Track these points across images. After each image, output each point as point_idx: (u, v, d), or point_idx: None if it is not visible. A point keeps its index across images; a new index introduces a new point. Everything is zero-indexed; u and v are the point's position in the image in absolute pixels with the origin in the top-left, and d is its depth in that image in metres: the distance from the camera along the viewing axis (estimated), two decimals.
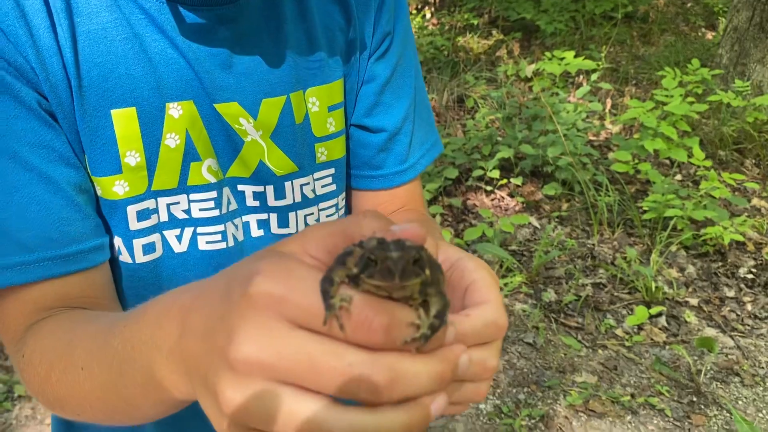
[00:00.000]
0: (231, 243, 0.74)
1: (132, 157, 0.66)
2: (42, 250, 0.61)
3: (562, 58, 4.21)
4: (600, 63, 4.73)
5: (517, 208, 3.48)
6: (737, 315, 2.80)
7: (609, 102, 4.46)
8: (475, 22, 5.83)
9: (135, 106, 0.65)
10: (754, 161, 3.99)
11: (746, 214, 3.42)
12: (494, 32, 5.72)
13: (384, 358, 0.35)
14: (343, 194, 0.83)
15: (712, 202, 3.22)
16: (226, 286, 0.40)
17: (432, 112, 0.90)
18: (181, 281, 0.62)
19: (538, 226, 3.37)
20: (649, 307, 2.77)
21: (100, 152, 0.65)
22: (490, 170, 3.53)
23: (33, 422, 2.30)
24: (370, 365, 0.35)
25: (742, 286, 2.96)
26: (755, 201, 3.60)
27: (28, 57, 0.61)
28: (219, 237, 0.73)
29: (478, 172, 3.56)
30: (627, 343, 2.64)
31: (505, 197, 3.57)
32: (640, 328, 2.72)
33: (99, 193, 0.67)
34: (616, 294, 2.91)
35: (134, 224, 0.69)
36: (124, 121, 0.65)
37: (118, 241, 0.69)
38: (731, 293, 2.92)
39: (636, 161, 3.54)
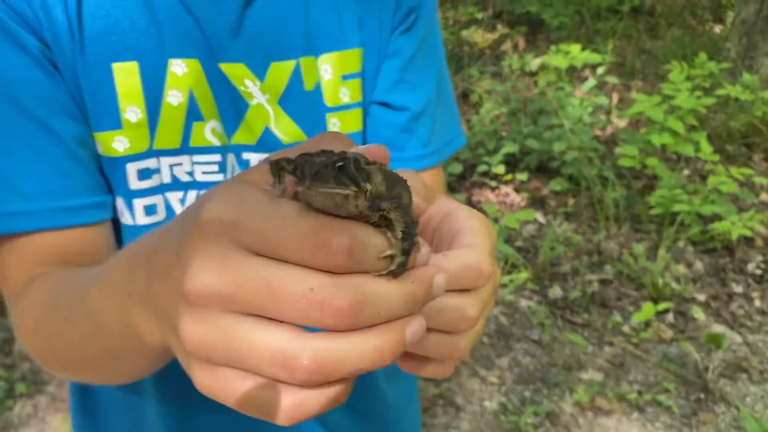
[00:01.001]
0: None
1: (132, 112, 0.65)
2: (42, 200, 0.61)
3: (567, 52, 4.17)
4: (606, 57, 4.69)
5: (522, 204, 3.45)
6: (745, 311, 2.77)
7: (616, 96, 4.42)
8: (480, 16, 5.79)
9: (137, 61, 0.65)
10: (762, 155, 3.95)
11: (754, 209, 3.38)
12: (499, 26, 5.68)
13: (348, 281, 0.33)
14: None
15: (720, 197, 3.18)
16: (182, 219, 0.37)
17: (455, 103, 0.87)
18: None
19: (544, 222, 3.34)
20: (656, 303, 2.74)
21: (101, 106, 0.64)
22: (495, 165, 3.51)
23: (34, 420, 2.30)
24: (333, 288, 0.32)
25: (750, 281, 2.93)
26: (764, 196, 3.56)
27: (33, 5, 0.61)
28: None
29: (482, 168, 3.53)
30: (634, 340, 2.62)
31: (511, 193, 3.54)
32: (647, 324, 2.69)
33: (99, 150, 0.66)
34: (622, 290, 2.88)
35: (135, 183, 0.67)
36: (125, 75, 0.65)
37: (119, 202, 0.68)
38: (739, 289, 2.88)
39: (643, 156, 3.51)
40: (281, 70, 0.70)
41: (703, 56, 4.30)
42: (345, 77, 0.74)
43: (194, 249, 0.34)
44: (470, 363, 2.53)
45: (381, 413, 0.86)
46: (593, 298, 2.82)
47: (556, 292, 2.85)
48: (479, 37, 5.43)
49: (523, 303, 2.80)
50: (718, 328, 2.68)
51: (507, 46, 5.09)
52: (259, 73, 0.70)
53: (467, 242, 0.42)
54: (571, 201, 3.49)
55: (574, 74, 4.72)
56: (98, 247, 0.65)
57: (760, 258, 3.05)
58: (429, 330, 0.39)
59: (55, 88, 0.63)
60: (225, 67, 0.67)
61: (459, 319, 0.41)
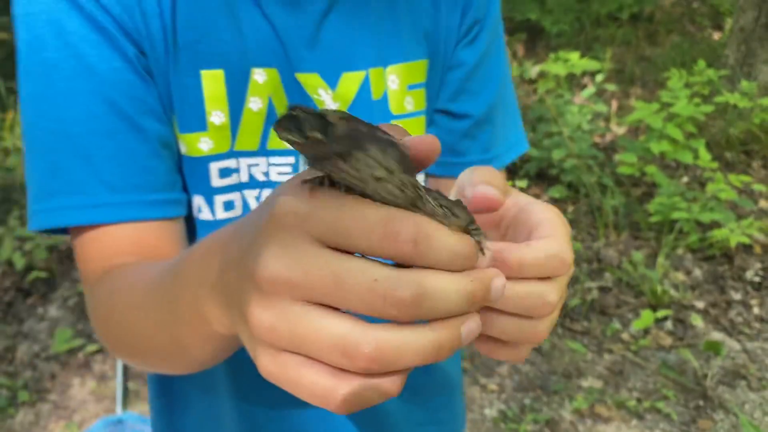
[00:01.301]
0: None
1: (217, 116, 0.70)
2: (126, 193, 0.65)
3: (566, 60, 4.19)
4: (605, 64, 4.71)
5: None
6: (744, 318, 2.78)
7: (615, 103, 4.44)
8: None
9: (223, 69, 0.69)
10: (761, 162, 3.96)
11: (753, 216, 3.39)
12: None
13: (411, 274, 0.34)
14: (422, 177, 0.84)
15: (719, 205, 3.19)
16: (257, 212, 0.40)
17: (518, 110, 0.89)
18: None
19: None
20: (655, 310, 2.75)
21: (189, 110, 0.69)
22: None
23: (36, 428, 2.31)
24: (396, 280, 0.33)
25: (749, 289, 2.94)
26: (762, 203, 3.57)
27: (133, 16, 0.65)
28: None
29: None
30: (633, 347, 2.63)
31: None
32: (646, 331, 2.70)
33: (184, 150, 0.70)
34: (622, 297, 2.89)
35: (216, 181, 0.72)
36: (212, 81, 0.69)
37: (199, 200, 0.73)
38: (738, 296, 2.89)
39: (642, 163, 3.53)
40: (352, 80, 0.74)
41: (701, 63, 4.32)
42: (410, 87, 0.78)
43: (268, 239, 0.36)
44: (470, 370, 2.54)
45: (431, 392, 0.89)
46: (593, 306, 2.83)
47: None
48: None
49: None
50: (717, 336, 2.69)
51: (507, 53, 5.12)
52: (332, 82, 0.74)
53: (547, 233, 0.43)
54: (570, 208, 3.50)
55: (573, 81, 4.74)
56: (172, 242, 0.69)
57: (758, 265, 3.06)
58: (511, 315, 0.42)
59: (146, 91, 0.67)
60: (300, 77, 0.72)
61: (541, 304, 0.42)
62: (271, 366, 0.37)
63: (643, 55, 5.48)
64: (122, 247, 0.65)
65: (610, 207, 3.30)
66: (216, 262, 0.43)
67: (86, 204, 0.64)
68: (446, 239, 0.35)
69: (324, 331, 0.34)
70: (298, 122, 0.32)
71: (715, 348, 2.58)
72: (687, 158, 3.43)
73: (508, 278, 0.39)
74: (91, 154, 0.65)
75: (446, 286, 0.35)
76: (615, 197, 3.36)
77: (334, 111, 0.33)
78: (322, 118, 0.32)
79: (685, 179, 3.76)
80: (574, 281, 2.96)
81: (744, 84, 4.07)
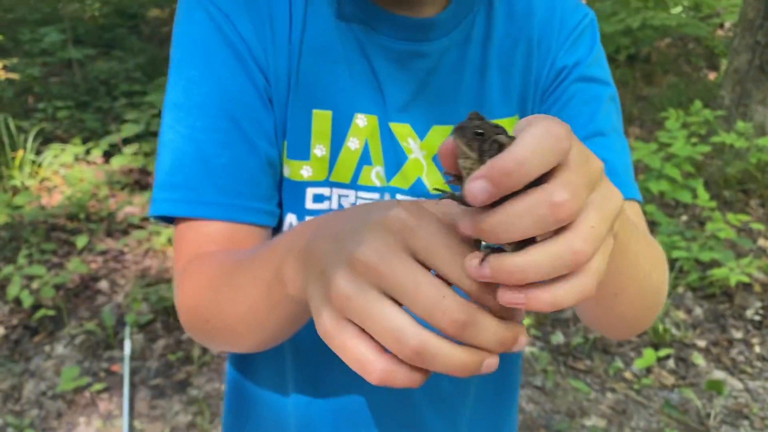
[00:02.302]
0: None
1: (319, 149, 0.80)
2: (232, 197, 0.75)
3: None
4: None
5: None
6: (745, 357, 2.80)
7: None
8: None
9: (331, 110, 0.80)
10: (758, 201, 4.02)
11: (752, 254, 3.43)
12: None
13: (469, 305, 0.43)
14: None
15: (718, 243, 3.24)
16: (366, 209, 0.49)
17: (631, 163, 0.86)
18: None
19: None
20: (657, 349, 2.77)
21: (297, 140, 0.79)
22: None
23: None
24: (457, 304, 0.43)
25: (750, 327, 2.96)
26: (761, 242, 3.62)
27: (267, 52, 0.77)
28: None
29: None
30: (636, 386, 2.64)
31: None
32: (648, 370, 2.72)
33: (287, 173, 0.81)
34: None
35: (310, 204, 0.81)
36: (321, 120, 0.80)
37: (291, 217, 0.82)
38: (739, 335, 2.92)
39: (641, 202, 3.57)
40: (440, 133, 0.83)
41: (698, 104, 4.41)
42: None
43: (374, 232, 0.45)
44: None
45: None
46: (595, 344, 2.85)
47: (558, 338, 2.89)
48: None
49: (526, 349, 2.83)
50: (719, 375, 2.71)
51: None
52: (421, 133, 0.82)
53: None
54: None
55: None
56: (257, 245, 0.77)
57: (758, 304, 3.09)
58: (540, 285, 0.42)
59: (265, 117, 0.78)
60: (394, 126, 0.81)
61: (570, 258, 0.41)
62: (331, 327, 0.46)
63: (641, 95, 5.58)
64: (216, 240, 0.74)
65: None
66: (310, 233, 0.53)
67: (197, 200, 0.74)
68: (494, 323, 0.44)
69: (388, 317, 0.44)
70: (482, 141, 0.41)
71: (717, 387, 2.59)
72: (686, 197, 3.49)
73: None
74: (209, 159, 0.75)
75: (489, 325, 0.44)
76: None
77: (509, 137, 0.41)
78: (500, 146, 0.40)
79: (684, 218, 3.81)
80: (576, 320, 2.99)
81: (740, 124, 4.15)
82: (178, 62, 0.78)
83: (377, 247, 0.44)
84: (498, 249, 0.44)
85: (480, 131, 0.41)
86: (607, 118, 0.83)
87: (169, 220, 0.77)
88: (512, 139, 0.41)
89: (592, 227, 0.41)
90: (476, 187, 0.39)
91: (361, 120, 0.81)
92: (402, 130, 0.82)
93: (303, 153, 0.80)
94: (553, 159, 0.40)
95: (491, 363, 0.45)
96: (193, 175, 0.75)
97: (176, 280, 0.77)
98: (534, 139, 0.39)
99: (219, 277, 0.69)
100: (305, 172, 0.80)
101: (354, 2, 0.79)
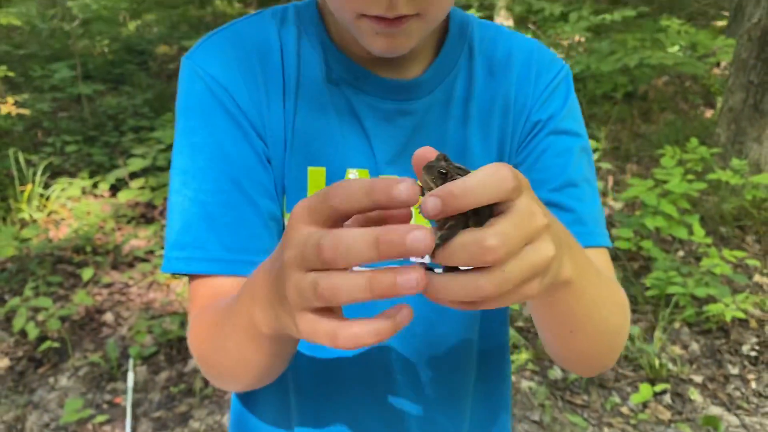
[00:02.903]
0: None
1: None
2: (237, 253, 0.80)
3: None
4: (600, 142, 4.89)
5: None
6: (742, 393, 2.83)
7: (611, 179, 4.59)
8: None
9: (325, 167, 0.85)
10: (755, 237, 4.07)
11: (748, 290, 3.47)
12: None
13: (369, 231, 0.48)
14: None
15: (714, 279, 3.28)
16: (279, 245, 0.57)
17: (601, 211, 0.91)
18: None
19: None
20: (653, 384, 2.80)
21: (295, 195, 0.85)
22: None
23: None
24: (372, 233, 0.47)
25: (746, 363, 2.99)
26: (757, 277, 3.66)
27: (263, 117, 0.84)
28: None
29: None
30: (632, 421, 2.67)
31: None
32: (645, 405, 2.74)
33: (287, 224, 0.84)
34: (620, 371, 2.94)
35: None
36: (316, 176, 0.85)
37: None
38: (735, 370, 2.95)
39: (638, 238, 3.63)
40: None
41: (694, 141, 4.49)
42: None
43: (285, 241, 0.54)
44: None
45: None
46: (592, 379, 2.88)
47: (556, 372, 2.92)
48: None
49: (524, 384, 2.86)
50: (716, 410, 2.73)
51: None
52: None
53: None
54: None
55: None
56: None
57: (754, 340, 3.12)
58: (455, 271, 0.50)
59: (265, 176, 0.84)
60: (382, 177, 0.86)
61: (478, 251, 0.47)
62: (305, 327, 0.51)
63: (638, 132, 5.67)
64: (223, 292, 0.79)
65: None
66: (260, 278, 0.60)
67: (205, 258, 0.80)
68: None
69: (338, 278, 0.48)
70: (445, 178, 0.50)
71: (713, 423, 2.62)
72: (682, 234, 3.54)
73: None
74: (215, 219, 0.80)
75: (400, 236, 0.47)
76: None
77: (459, 168, 0.51)
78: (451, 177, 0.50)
79: (681, 253, 3.86)
80: None
81: (735, 162, 4.23)
82: (182, 130, 0.84)
83: (290, 245, 0.51)
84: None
85: (443, 171, 0.50)
86: (578, 169, 0.88)
87: (182, 274, 0.83)
88: None
89: (504, 271, 0.49)
90: (429, 202, 0.47)
91: (353, 174, 0.86)
92: None
93: None
94: (495, 194, 0.48)
95: (412, 276, 0.46)
96: (200, 234, 0.80)
97: (189, 327, 0.83)
98: (482, 174, 0.48)
99: (211, 327, 0.75)
100: None
101: (342, 66, 0.86)
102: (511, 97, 0.90)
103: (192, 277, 0.82)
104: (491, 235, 0.47)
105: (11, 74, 5.55)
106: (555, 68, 0.92)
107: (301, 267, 0.50)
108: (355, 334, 0.49)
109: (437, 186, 0.50)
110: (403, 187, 0.46)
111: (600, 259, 0.87)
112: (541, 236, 0.51)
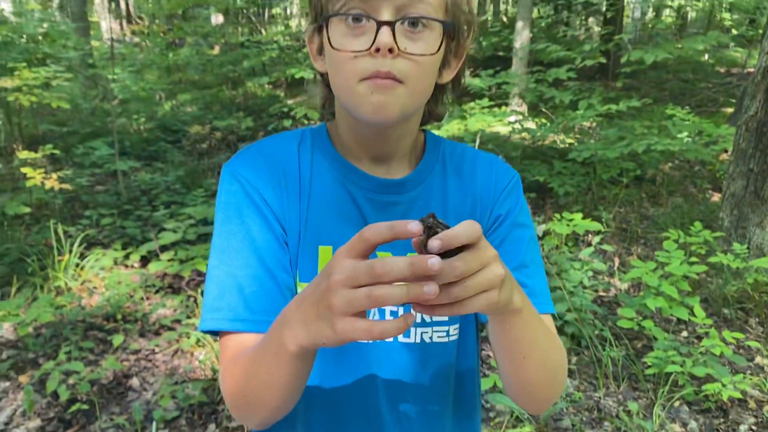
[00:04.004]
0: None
1: None
2: (260, 315, 1.00)
3: (570, 220, 4.59)
4: (607, 225, 5.09)
5: None
6: None
7: (617, 260, 4.77)
8: None
9: (332, 245, 1.06)
10: (757, 320, 4.19)
11: (749, 371, 3.58)
12: None
13: (404, 259, 0.71)
14: (456, 325, 1.14)
15: (712, 359, 3.41)
16: (317, 277, 0.78)
17: (546, 284, 1.16)
18: (347, 348, 1.05)
19: None
20: None
21: (308, 268, 1.05)
22: None
23: None
24: (396, 262, 0.71)
25: None
26: (758, 359, 3.76)
27: (284, 209, 1.06)
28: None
29: None
30: None
31: None
32: None
33: (298, 292, 1.09)
34: None
35: None
36: (325, 253, 1.06)
37: None
38: None
39: (641, 318, 3.78)
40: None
41: (698, 225, 4.68)
42: None
43: (329, 269, 0.74)
44: None
45: None
46: None
47: None
48: None
49: None
50: None
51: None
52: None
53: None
54: (574, 359, 3.73)
55: (579, 238, 5.11)
56: None
57: (752, 420, 3.21)
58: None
59: (283, 255, 1.04)
60: (379, 254, 1.04)
61: (450, 270, 0.72)
62: (342, 327, 0.71)
63: (646, 214, 5.88)
64: (248, 345, 1.00)
65: (609, 359, 3.52)
66: (291, 308, 0.80)
67: (234, 318, 1.00)
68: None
69: (376, 291, 0.70)
70: (430, 231, 0.75)
71: None
72: (683, 315, 3.69)
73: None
74: (243, 288, 1.00)
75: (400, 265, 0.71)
76: (615, 350, 3.59)
77: (441, 223, 0.76)
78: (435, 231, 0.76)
79: (684, 334, 3.99)
80: (575, 430, 3.14)
81: (736, 246, 4.40)
82: (220, 220, 1.06)
83: (336, 271, 0.72)
84: None
85: (430, 226, 0.75)
86: (528, 253, 1.14)
87: (215, 333, 1.05)
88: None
89: (465, 285, 0.74)
90: (434, 241, 0.72)
91: None
92: (385, 256, 1.09)
93: (310, 278, 1.04)
94: (470, 238, 0.73)
95: (430, 288, 0.70)
96: (231, 300, 1.00)
97: (221, 374, 1.03)
98: (463, 226, 0.73)
99: (245, 363, 0.96)
100: None
101: (347, 170, 1.09)
102: (477, 197, 1.15)
103: (222, 334, 1.04)
104: (458, 260, 0.72)
105: (56, 152, 5.97)
106: (510, 175, 1.18)
107: (349, 284, 0.70)
108: (385, 328, 0.70)
109: (427, 234, 0.74)
110: (414, 223, 0.73)
111: (548, 322, 1.11)
112: (493, 263, 0.77)
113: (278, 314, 1.04)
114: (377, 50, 0.91)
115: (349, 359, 1.08)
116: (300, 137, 1.14)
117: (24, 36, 6.01)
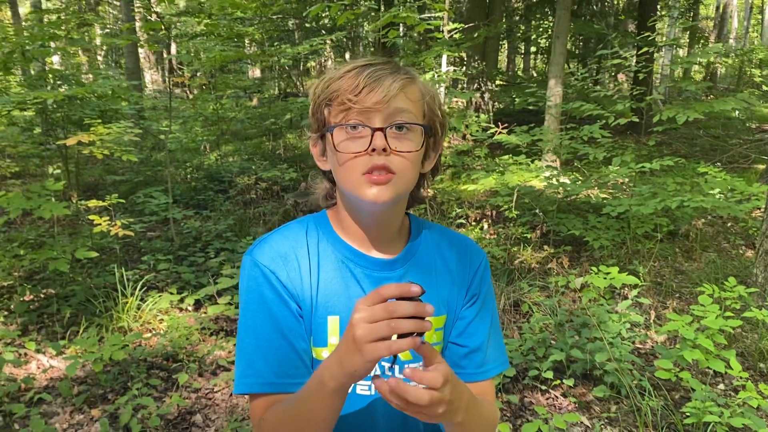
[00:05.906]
0: (372, 391, 1.30)
1: (333, 339, 1.23)
2: (283, 378, 1.18)
3: (607, 273, 4.77)
4: (642, 278, 5.25)
5: (569, 407, 3.85)
6: None
7: (653, 313, 4.92)
8: (529, 236, 6.53)
9: (338, 315, 1.23)
10: None
11: None
12: (546, 246, 6.36)
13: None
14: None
15: (750, 411, 3.53)
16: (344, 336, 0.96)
17: (503, 342, 1.41)
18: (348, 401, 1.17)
19: (589, 426, 3.71)
20: None
21: (319, 335, 1.23)
22: (545, 371, 3.97)
23: None
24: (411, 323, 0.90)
25: None
26: None
27: (298, 289, 1.22)
28: (367, 387, 1.30)
29: (533, 372, 3.99)
30: None
31: (559, 396, 3.95)
32: None
33: (314, 355, 1.24)
34: None
35: None
36: (333, 322, 1.23)
37: None
38: None
39: (678, 369, 3.92)
40: None
41: (732, 281, 4.82)
42: (437, 329, 1.30)
43: (354, 321, 0.92)
44: None
45: None
46: None
47: None
48: (528, 254, 6.11)
49: None
50: None
51: (553, 264, 5.74)
52: None
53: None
54: (613, 407, 3.87)
55: (615, 291, 5.28)
56: None
57: None
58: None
59: (299, 326, 1.21)
60: None
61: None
62: (370, 348, 0.89)
63: (680, 269, 6.02)
64: (273, 402, 1.16)
65: (648, 408, 3.67)
66: (332, 358, 0.97)
67: (262, 383, 1.18)
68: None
69: (389, 325, 0.89)
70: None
71: None
72: (719, 367, 3.82)
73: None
74: (267, 357, 1.18)
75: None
76: (654, 399, 3.73)
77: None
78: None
79: (721, 386, 4.11)
80: None
81: None
82: (244, 302, 1.22)
83: (364, 310, 0.91)
84: None
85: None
86: (493, 327, 1.36)
87: (247, 394, 1.20)
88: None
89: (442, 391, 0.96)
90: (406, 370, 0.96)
91: None
92: None
93: (322, 342, 1.22)
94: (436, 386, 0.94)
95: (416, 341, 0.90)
96: (258, 368, 1.17)
97: (256, 428, 1.18)
98: (431, 381, 0.95)
99: (285, 407, 1.11)
100: (325, 353, 1.22)
101: (348, 251, 1.26)
102: (454, 274, 1.32)
103: (253, 396, 1.19)
104: (426, 393, 0.94)
105: (122, 201, 6.35)
106: (481, 255, 1.36)
107: (368, 321, 0.89)
108: (400, 346, 0.88)
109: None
110: (416, 286, 0.91)
111: (491, 385, 1.34)
112: (444, 402, 0.96)
113: (297, 377, 1.24)
114: (373, 150, 1.12)
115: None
116: (306, 226, 1.30)
117: (95, 94, 6.48)
